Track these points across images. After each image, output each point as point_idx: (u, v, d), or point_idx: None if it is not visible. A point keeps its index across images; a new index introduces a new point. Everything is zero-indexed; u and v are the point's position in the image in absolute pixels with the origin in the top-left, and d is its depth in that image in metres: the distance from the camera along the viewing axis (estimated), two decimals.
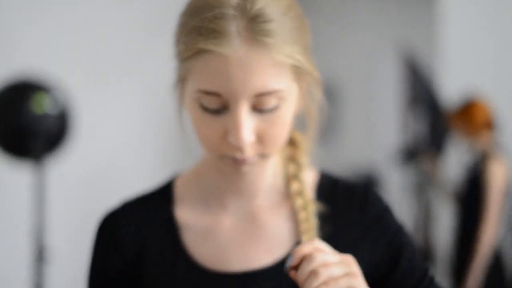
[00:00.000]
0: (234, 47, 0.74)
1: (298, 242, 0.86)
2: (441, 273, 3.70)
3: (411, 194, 3.94)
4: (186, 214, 0.90)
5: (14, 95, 2.15)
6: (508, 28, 3.64)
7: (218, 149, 0.80)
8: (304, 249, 0.73)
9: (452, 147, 3.70)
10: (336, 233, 0.87)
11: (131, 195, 0.96)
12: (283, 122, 0.80)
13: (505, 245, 3.06)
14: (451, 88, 3.78)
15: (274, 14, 0.76)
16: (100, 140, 3.11)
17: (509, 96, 3.53)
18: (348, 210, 0.89)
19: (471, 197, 3.00)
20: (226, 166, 0.82)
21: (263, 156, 0.81)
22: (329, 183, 0.92)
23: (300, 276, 0.73)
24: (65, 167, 2.73)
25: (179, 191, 0.92)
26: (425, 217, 4.26)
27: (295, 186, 0.89)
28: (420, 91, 3.92)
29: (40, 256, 2.15)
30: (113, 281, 0.88)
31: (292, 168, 0.91)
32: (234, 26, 0.74)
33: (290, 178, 0.91)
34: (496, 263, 2.94)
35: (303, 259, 0.73)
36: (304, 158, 0.92)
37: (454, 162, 3.70)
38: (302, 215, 0.86)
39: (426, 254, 4.11)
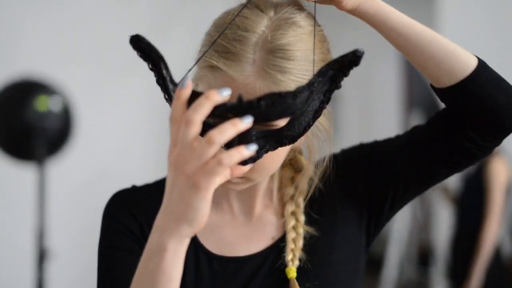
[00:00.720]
0: (244, 72, 0.74)
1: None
2: (440, 273, 3.71)
3: None
4: None
5: (17, 95, 2.16)
6: (508, 28, 3.65)
7: None
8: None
9: None
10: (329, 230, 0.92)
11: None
12: (276, 156, 0.82)
13: (505, 244, 3.06)
14: None
15: (297, 53, 0.76)
16: (102, 141, 3.12)
17: None
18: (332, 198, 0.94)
19: (471, 196, 2.99)
20: None
21: (249, 180, 0.83)
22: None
23: None
24: (67, 167, 2.73)
25: None
26: (425, 217, 4.26)
27: (290, 208, 0.93)
28: (419, 91, 3.93)
29: (42, 255, 2.16)
30: (131, 243, 0.88)
31: (290, 191, 0.94)
32: (251, 53, 0.75)
33: (287, 199, 0.94)
34: (497, 262, 2.94)
35: None
36: (304, 183, 0.94)
37: None
38: (291, 235, 0.91)
39: (426, 254, 4.12)
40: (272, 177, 0.94)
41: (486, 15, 3.70)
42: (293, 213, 0.93)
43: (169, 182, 0.69)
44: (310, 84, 0.70)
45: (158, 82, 0.79)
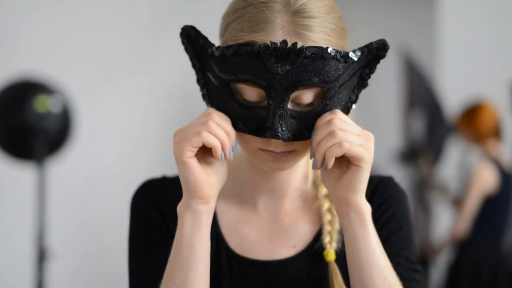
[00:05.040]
0: (277, 38, 0.77)
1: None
2: (439, 273, 3.71)
3: (411, 194, 3.95)
4: (221, 202, 0.93)
5: (16, 96, 2.16)
6: (507, 28, 3.65)
7: (254, 142, 0.83)
8: (325, 117, 0.79)
9: (453, 149, 3.70)
10: None
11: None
12: None
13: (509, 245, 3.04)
14: (450, 89, 3.78)
15: (317, 10, 0.80)
16: (102, 141, 3.11)
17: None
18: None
19: None
20: (260, 161, 0.85)
21: (297, 153, 0.84)
22: None
23: (317, 137, 0.78)
24: (66, 167, 2.73)
25: None
26: (425, 217, 4.26)
27: (324, 190, 0.93)
28: (420, 92, 3.93)
29: (41, 255, 2.16)
30: (160, 234, 0.90)
31: None
32: (278, 20, 0.78)
33: (320, 182, 0.93)
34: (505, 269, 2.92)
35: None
36: None
37: (454, 164, 3.69)
38: (327, 217, 0.91)
39: (426, 254, 4.11)
40: (306, 177, 0.94)
41: (486, 15, 3.70)
42: (327, 195, 0.92)
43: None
44: (345, 55, 0.78)
45: (198, 81, 0.85)
